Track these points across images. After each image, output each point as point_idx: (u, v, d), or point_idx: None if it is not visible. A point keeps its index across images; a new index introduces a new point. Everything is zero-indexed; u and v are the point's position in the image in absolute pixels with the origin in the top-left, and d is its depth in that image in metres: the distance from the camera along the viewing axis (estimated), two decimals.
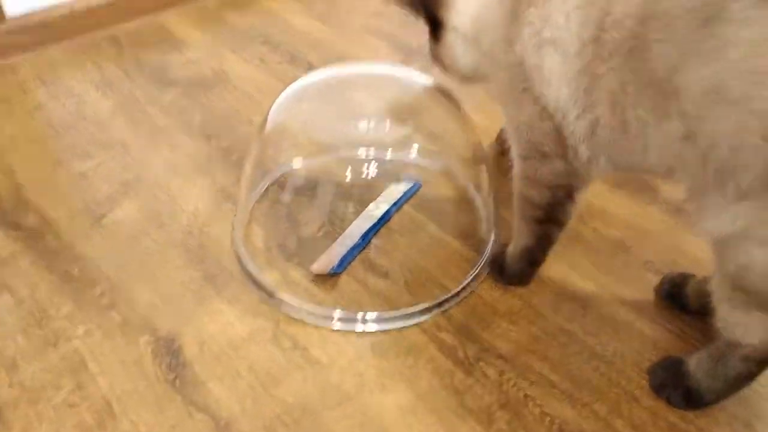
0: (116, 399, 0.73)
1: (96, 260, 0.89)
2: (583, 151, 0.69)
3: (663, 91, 0.58)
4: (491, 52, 0.72)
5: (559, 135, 0.69)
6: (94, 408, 0.72)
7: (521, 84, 0.69)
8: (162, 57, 1.31)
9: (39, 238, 0.93)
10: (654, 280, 0.86)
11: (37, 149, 1.08)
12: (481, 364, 0.76)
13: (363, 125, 0.95)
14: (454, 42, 0.76)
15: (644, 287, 0.85)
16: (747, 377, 0.66)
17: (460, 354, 0.77)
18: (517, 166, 0.77)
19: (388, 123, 0.96)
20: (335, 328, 0.80)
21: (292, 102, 0.92)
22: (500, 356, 0.77)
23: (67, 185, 1.01)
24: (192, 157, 1.06)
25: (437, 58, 0.79)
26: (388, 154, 1.02)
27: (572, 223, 0.91)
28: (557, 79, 0.65)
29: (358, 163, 0.99)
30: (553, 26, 0.64)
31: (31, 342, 0.79)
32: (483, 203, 0.96)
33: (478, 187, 0.97)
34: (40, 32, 1.30)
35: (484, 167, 0.95)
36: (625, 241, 0.92)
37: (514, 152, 0.76)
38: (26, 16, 1.29)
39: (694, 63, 0.55)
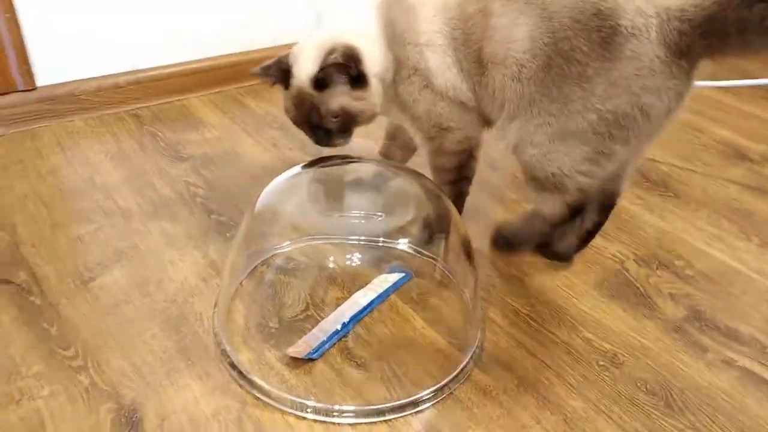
0: None
1: (76, 322, 0.88)
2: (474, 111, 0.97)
3: (481, 62, 0.90)
4: (392, 78, 0.96)
5: (451, 109, 0.95)
6: None
7: (420, 84, 0.95)
8: (178, 135, 1.37)
9: (26, 294, 0.93)
10: (645, 400, 0.82)
11: (42, 210, 1.10)
12: None
13: (355, 215, 0.96)
14: (376, 85, 0.95)
15: (635, 408, 0.81)
16: (543, 233, 1.00)
17: None
18: (427, 147, 1.01)
19: (381, 215, 0.97)
20: (302, 416, 0.76)
21: (286, 186, 0.94)
22: None
23: (63, 247, 1.02)
24: (189, 230, 1.08)
25: (366, 103, 0.95)
26: (380, 243, 1.02)
27: (564, 333, 0.89)
28: (440, 69, 0.93)
29: (348, 250, 1.00)
30: (425, 35, 0.92)
31: None
32: (471, 302, 0.94)
33: (466, 285, 0.96)
34: (66, 103, 1.37)
35: (472, 267, 0.94)
36: (618, 356, 0.89)
37: (421, 139, 1.01)
38: (55, 86, 1.36)
39: (486, 43, 0.88)
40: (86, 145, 1.31)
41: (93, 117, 1.41)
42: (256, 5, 1.55)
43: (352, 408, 0.77)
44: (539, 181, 0.93)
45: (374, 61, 0.95)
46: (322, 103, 0.93)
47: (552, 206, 0.95)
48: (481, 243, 1.08)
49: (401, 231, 1.02)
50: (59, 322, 0.88)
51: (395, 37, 0.94)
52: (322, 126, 0.95)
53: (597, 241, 1.13)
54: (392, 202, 1.01)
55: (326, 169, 0.99)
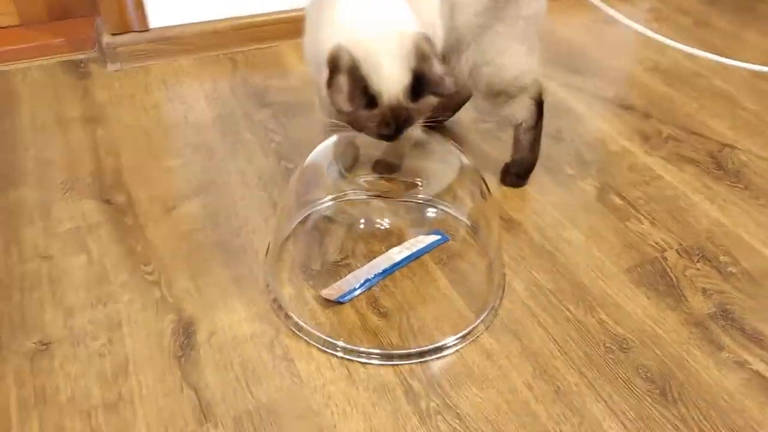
0: (133, 360, 0.87)
1: (157, 243, 1.05)
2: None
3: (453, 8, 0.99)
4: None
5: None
6: (115, 362, 0.87)
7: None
8: (265, 81, 1.50)
9: (121, 214, 1.11)
10: (641, 386, 0.87)
11: (143, 141, 1.28)
12: (438, 417, 0.82)
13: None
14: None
15: (627, 392, 0.86)
16: (533, 139, 1.16)
17: (422, 404, 0.83)
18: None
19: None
20: (323, 349, 0.89)
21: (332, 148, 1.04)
22: (458, 416, 0.82)
23: (156, 176, 1.20)
24: (261, 173, 1.21)
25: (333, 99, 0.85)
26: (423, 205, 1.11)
27: (579, 312, 0.95)
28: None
29: (393, 208, 1.09)
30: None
31: (89, 297, 0.96)
32: (496, 271, 1.01)
33: (495, 255, 1.03)
34: (174, 44, 1.53)
35: (500, 241, 1.00)
36: (627, 341, 0.93)
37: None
38: (166, 28, 1.52)
39: (457, 15, 0.99)
40: (186, 84, 1.47)
41: (196, 58, 1.56)
42: None
43: (366, 349, 0.89)
44: (504, 93, 1.07)
45: (438, 36, 0.96)
46: (420, 111, 0.87)
47: (525, 108, 1.11)
48: (521, 215, 1.13)
49: (441, 194, 1.10)
50: (144, 242, 1.05)
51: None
52: (401, 131, 0.87)
53: (644, 226, 1.14)
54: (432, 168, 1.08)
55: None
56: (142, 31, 1.50)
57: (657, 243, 1.11)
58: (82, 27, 1.58)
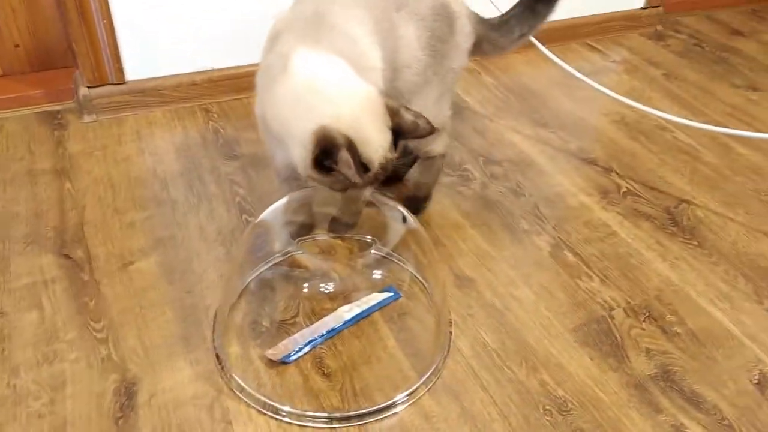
0: (72, 422, 0.88)
1: (109, 300, 1.07)
2: None
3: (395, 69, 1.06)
4: None
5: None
6: (54, 424, 0.88)
7: None
8: (238, 132, 1.53)
9: (78, 269, 1.13)
10: None
11: (109, 195, 1.31)
12: None
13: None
14: None
15: None
16: (441, 165, 1.27)
17: None
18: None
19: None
20: (261, 411, 0.90)
21: (286, 205, 1.06)
22: None
23: (116, 231, 1.22)
24: (221, 228, 1.24)
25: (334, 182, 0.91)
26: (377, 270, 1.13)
27: (522, 373, 0.96)
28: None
29: (348, 265, 1.11)
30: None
31: (36, 355, 0.98)
32: (443, 330, 1.03)
33: (441, 314, 1.04)
34: (150, 96, 1.58)
35: (446, 301, 1.02)
36: (567, 403, 0.94)
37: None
38: (142, 81, 1.57)
39: (399, 77, 1.07)
40: (159, 135, 1.51)
41: (170, 110, 1.61)
42: None
43: (306, 412, 0.90)
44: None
45: None
46: (399, 159, 0.92)
47: (442, 143, 1.21)
48: (475, 272, 1.15)
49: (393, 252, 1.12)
50: (97, 298, 1.07)
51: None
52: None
53: (594, 284, 1.15)
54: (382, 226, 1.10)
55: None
56: (118, 84, 1.55)
57: (605, 301, 1.12)
58: (63, 78, 1.63)
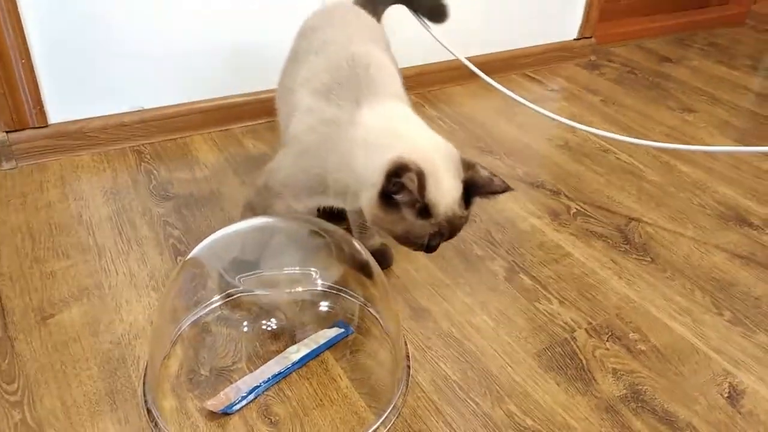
0: None
1: (25, 358, 0.95)
2: None
3: None
4: None
5: None
6: None
7: None
8: (171, 173, 1.45)
9: None
10: None
11: (28, 244, 1.20)
12: None
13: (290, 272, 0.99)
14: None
15: None
16: None
17: None
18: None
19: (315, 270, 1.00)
20: None
21: (222, 241, 0.98)
22: None
23: (35, 282, 1.10)
24: (153, 272, 1.14)
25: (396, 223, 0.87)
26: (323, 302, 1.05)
27: (487, 404, 0.89)
28: None
29: (291, 304, 1.03)
30: None
31: None
32: (399, 365, 0.95)
33: (397, 348, 0.97)
34: (75, 139, 1.48)
35: (402, 334, 0.95)
36: None
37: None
38: (66, 123, 1.47)
39: None
40: (85, 180, 1.41)
41: (99, 152, 1.51)
42: (266, 49, 1.61)
43: None
44: None
45: None
46: (467, 219, 0.89)
47: None
48: (430, 302, 1.09)
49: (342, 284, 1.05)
50: (11, 357, 0.95)
51: None
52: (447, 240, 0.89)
53: (553, 306, 1.11)
54: (322, 258, 1.03)
55: (259, 225, 1.02)
56: (40, 127, 1.45)
57: (566, 323, 1.08)
58: None
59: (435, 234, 0.86)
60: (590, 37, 2.33)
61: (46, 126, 1.46)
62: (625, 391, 0.95)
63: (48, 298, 1.07)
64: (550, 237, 1.30)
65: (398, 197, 0.82)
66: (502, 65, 2.09)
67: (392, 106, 0.92)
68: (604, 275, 1.20)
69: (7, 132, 1.42)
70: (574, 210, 1.40)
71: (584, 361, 1.00)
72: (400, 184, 0.81)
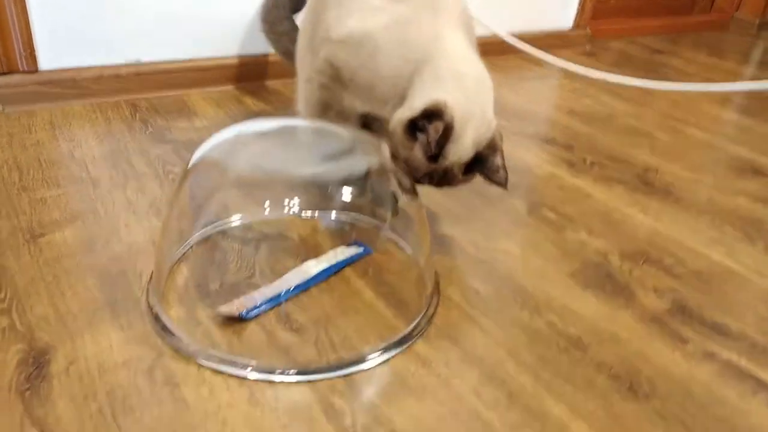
0: None
1: (13, 271, 0.85)
2: None
3: None
4: None
5: None
6: None
7: None
8: (168, 122, 1.37)
9: None
10: (606, 384, 0.73)
11: (14, 175, 1.10)
12: None
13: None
14: None
15: (591, 390, 0.72)
16: None
17: (347, 421, 0.65)
18: None
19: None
20: (218, 369, 0.71)
21: (233, 144, 0.91)
22: (393, 431, 0.64)
23: (24, 207, 1.01)
24: (154, 202, 1.05)
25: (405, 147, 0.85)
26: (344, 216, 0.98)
27: (525, 315, 0.82)
28: None
29: (308, 223, 0.96)
30: None
31: None
32: (428, 279, 0.88)
33: (426, 263, 0.90)
34: (66, 87, 1.40)
35: (429, 246, 0.88)
36: (582, 340, 0.80)
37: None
38: (57, 71, 1.39)
39: None
40: (77, 125, 1.33)
41: (91, 103, 1.43)
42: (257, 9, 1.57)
43: (271, 365, 0.71)
44: None
45: None
46: (461, 182, 0.87)
47: None
48: (451, 230, 1.02)
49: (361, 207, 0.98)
50: None
51: None
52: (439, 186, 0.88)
53: (581, 236, 1.05)
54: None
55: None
56: (29, 72, 1.37)
57: (597, 249, 1.02)
58: None
59: (428, 174, 0.85)
60: (585, 28, 2.35)
61: (37, 72, 1.38)
62: (669, 305, 0.89)
63: (38, 221, 0.97)
64: (569, 181, 1.25)
65: (419, 134, 0.82)
66: (500, 47, 2.08)
67: (463, 41, 0.91)
68: (628, 212, 1.15)
69: None
70: (590, 161, 1.36)
71: (622, 280, 0.94)
72: (426, 127, 0.80)
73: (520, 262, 0.97)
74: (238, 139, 0.90)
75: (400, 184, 0.88)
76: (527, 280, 0.92)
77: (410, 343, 0.77)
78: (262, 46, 1.56)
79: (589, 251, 1.01)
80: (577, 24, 2.31)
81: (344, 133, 0.93)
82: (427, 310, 0.82)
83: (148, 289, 0.83)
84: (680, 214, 1.15)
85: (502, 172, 0.86)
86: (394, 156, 0.86)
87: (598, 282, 0.93)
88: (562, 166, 1.32)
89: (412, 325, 0.79)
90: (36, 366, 0.70)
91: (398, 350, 0.75)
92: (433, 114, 0.80)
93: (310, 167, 0.87)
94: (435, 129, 0.80)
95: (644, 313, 0.87)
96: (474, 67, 0.89)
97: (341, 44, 0.93)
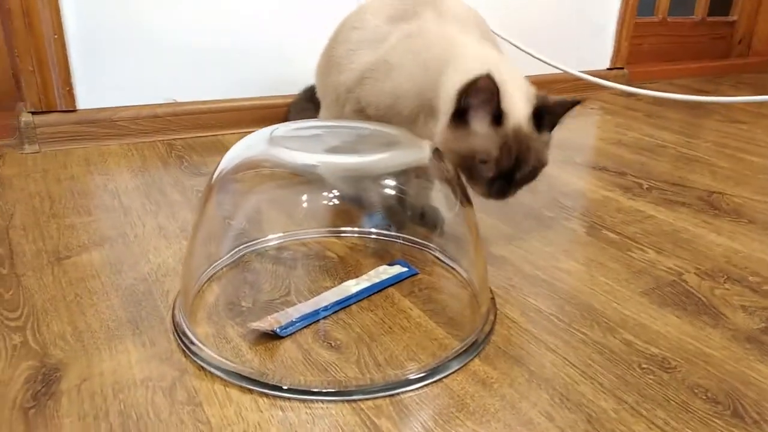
0: None
1: (33, 290, 0.80)
2: None
3: None
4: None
5: None
6: None
7: None
8: (204, 158, 1.34)
9: None
10: (704, 408, 0.61)
11: (46, 204, 1.07)
12: None
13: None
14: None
15: (687, 415, 0.60)
16: None
17: None
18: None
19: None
20: (248, 387, 0.62)
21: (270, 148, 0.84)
22: None
23: (52, 232, 0.97)
24: (186, 227, 1.00)
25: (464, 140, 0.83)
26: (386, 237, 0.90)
27: (596, 333, 0.72)
28: None
29: (349, 241, 0.88)
30: None
31: None
32: (483, 297, 0.78)
33: (481, 281, 0.80)
34: (104, 127, 1.40)
35: (483, 264, 0.79)
36: (668, 360, 0.69)
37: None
38: (95, 110, 1.39)
39: None
40: (112, 162, 1.30)
41: (128, 143, 1.42)
42: (295, 52, 1.56)
43: (308, 383, 0.62)
44: None
45: None
46: (538, 149, 0.84)
47: None
48: (504, 251, 0.94)
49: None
50: (16, 289, 0.80)
51: None
52: (515, 177, 0.84)
53: (649, 255, 0.95)
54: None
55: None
56: (67, 111, 1.37)
57: (670, 268, 0.91)
58: (4, 117, 1.44)
59: (502, 152, 0.81)
60: (622, 68, 2.30)
61: (74, 110, 1.38)
62: (764, 324, 0.77)
63: (65, 244, 0.92)
64: (627, 204, 1.16)
65: (470, 110, 0.81)
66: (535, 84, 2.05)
67: (478, 41, 0.93)
68: (698, 232, 1.04)
69: (32, 113, 1.34)
70: (647, 186, 1.26)
71: (704, 299, 0.82)
72: (475, 94, 0.79)
73: (584, 280, 0.86)
74: (270, 139, 0.83)
75: (475, 183, 0.85)
76: (594, 298, 0.82)
77: (467, 361, 0.67)
78: (296, 88, 1.54)
79: (661, 270, 0.90)
80: (614, 63, 2.27)
81: (385, 129, 0.86)
82: (483, 327, 0.72)
83: (174, 307, 0.75)
84: (757, 234, 1.04)
85: (567, 100, 0.86)
86: (462, 166, 0.84)
87: (676, 301, 0.82)
88: (617, 190, 1.23)
89: (467, 341, 0.69)
90: (45, 383, 0.62)
91: (453, 370, 0.65)
92: (470, 86, 0.79)
93: (352, 158, 0.80)
94: (481, 86, 0.78)
95: (737, 332, 0.75)
96: (495, 53, 0.91)
97: (359, 84, 0.94)
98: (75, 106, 1.38)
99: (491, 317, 0.75)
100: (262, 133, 0.81)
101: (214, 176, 0.77)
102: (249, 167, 0.79)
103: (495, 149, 0.81)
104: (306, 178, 0.80)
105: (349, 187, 0.93)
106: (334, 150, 0.81)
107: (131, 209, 1.06)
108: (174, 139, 1.46)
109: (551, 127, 0.86)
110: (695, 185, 1.27)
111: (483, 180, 0.84)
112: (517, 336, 0.73)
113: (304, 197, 0.85)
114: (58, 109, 1.36)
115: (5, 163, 1.26)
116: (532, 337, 0.73)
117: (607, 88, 1.68)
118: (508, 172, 0.83)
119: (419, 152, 0.80)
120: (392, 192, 0.86)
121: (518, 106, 0.82)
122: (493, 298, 0.80)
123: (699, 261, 0.93)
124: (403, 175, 0.84)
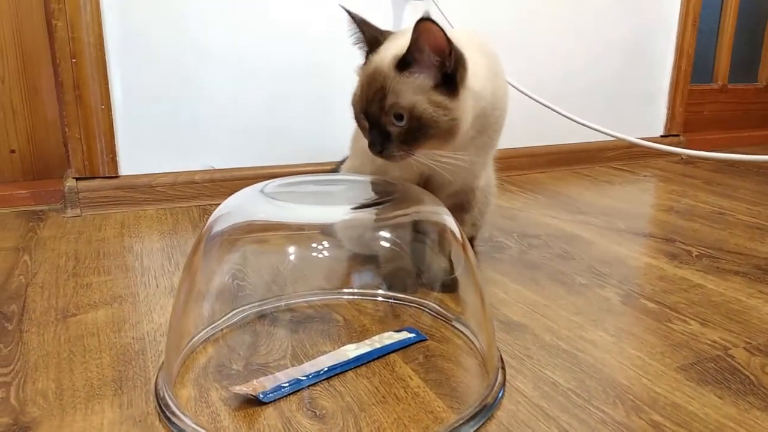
0: None
1: (31, 346, 0.79)
2: None
3: None
4: (486, 107, 0.86)
5: None
6: None
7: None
8: None
9: (4, 320, 0.86)
10: None
11: (70, 264, 1.09)
12: None
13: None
14: (466, 103, 0.81)
15: None
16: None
17: None
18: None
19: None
20: None
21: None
22: None
23: (68, 291, 0.97)
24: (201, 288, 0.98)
25: (445, 116, 0.79)
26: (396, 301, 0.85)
27: (620, 413, 0.63)
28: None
29: (356, 304, 0.84)
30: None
31: None
32: (491, 367, 0.71)
33: (489, 349, 0.73)
34: (142, 192, 1.44)
35: (492, 333, 0.72)
36: None
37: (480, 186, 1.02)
38: (135, 177, 1.44)
39: None
40: (145, 225, 1.33)
41: (164, 208, 1.45)
42: (335, 129, 1.58)
43: None
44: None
45: (477, 74, 0.81)
46: (393, 91, 0.77)
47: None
48: (525, 318, 0.86)
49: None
50: (15, 345, 0.79)
51: (498, 73, 0.89)
52: (383, 125, 0.78)
53: (692, 326, 0.85)
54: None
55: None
56: (110, 177, 1.42)
57: (715, 342, 0.80)
58: (54, 184, 1.52)
59: (361, 98, 0.83)
60: (678, 135, 2.21)
61: (117, 177, 1.43)
62: None
63: (76, 303, 0.92)
64: (671, 272, 1.06)
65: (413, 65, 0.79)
66: (587, 156, 1.98)
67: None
68: (752, 303, 0.93)
69: (77, 179, 1.40)
70: (697, 253, 1.16)
71: (752, 377, 0.71)
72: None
73: (612, 353, 0.77)
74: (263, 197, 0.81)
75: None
76: (621, 372, 0.72)
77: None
78: (329, 155, 1.55)
79: (704, 344, 0.80)
80: (669, 130, 2.18)
81: (392, 183, 0.83)
82: (484, 399, 0.65)
83: (160, 369, 0.72)
84: None
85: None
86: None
87: (719, 378, 0.71)
88: (662, 257, 1.13)
89: (467, 415, 0.62)
90: None
91: None
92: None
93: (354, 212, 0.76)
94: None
95: None
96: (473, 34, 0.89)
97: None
98: (117, 173, 1.43)
99: (496, 389, 0.67)
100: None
101: (211, 232, 0.76)
102: (252, 229, 0.78)
103: (357, 87, 0.84)
104: (308, 235, 0.77)
105: (361, 246, 0.90)
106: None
107: (149, 269, 1.06)
108: (209, 205, 1.49)
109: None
110: (754, 253, 1.16)
111: (366, 133, 0.83)
112: (526, 412, 0.64)
113: (313, 255, 0.81)
114: (101, 175, 1.41)
115: (46, 226, 1.31)
116: (542, 414, 0.64)
117: (662, 152, 1.60)
118: (372, 117, 0.80)
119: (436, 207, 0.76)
120: (397, 248, 0.82)
121: (393, 46, 0.81)
122: (503, 368, 0.72)
123: (751, 335, 0.82)
124: (401, 228, 0.80)
